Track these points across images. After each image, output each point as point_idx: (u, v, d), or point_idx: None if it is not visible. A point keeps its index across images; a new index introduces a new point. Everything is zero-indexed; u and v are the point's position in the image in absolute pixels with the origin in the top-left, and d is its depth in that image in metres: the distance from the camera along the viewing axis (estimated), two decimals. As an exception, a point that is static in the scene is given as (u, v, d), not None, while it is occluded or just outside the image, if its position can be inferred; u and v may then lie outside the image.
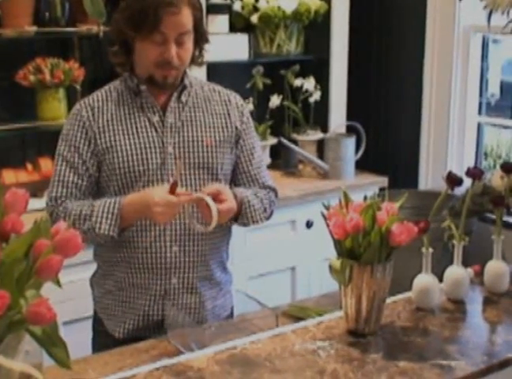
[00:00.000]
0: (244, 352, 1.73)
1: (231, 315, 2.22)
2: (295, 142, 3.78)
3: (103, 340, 2.12)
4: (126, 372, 1.65)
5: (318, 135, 3.84)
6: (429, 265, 1.94)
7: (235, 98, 2.19)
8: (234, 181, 2.18)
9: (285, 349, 1.73)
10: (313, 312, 2.10)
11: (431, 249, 1.92)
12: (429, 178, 3.69)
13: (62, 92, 3.25)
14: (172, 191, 1.89)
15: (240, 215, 2.08)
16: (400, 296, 2.03)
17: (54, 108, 3.24)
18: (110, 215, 1.95)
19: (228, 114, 2.14)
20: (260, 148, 2.24)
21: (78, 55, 3.33)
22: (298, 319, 2.04)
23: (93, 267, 2.20)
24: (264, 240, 3.29)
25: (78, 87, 3.26)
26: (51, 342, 1.22)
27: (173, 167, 2.03)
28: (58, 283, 1.25)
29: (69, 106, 3.27)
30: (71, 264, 2.57)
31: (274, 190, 2.23)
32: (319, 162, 3.69)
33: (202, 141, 2.07)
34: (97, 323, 2.18)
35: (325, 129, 3.86)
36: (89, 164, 2.03)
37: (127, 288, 2.09)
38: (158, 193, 1.89)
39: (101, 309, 2.15)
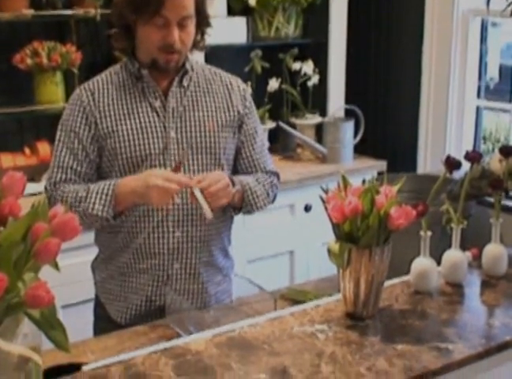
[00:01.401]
0: (243, 335, 1.73)
1: (230, 301, 2.22)
2: (293, 126, 3.77)
3: (105, 325, 2.12)
4: (125, 355, 1.65)
5: (317, 119, 3.83)
6: (427, 249, 1.94)
7: (237, 81, 2.18)
8: (236, 166, 2.18)
9: (284, 332, 1.74)
10: (311, 295, 2.11)
11: (429, 233, 1.92)
12: (427, 162, 3.69)
13: (59, 76, 3.25)
14: (175, 172, 1.89)
15: (244, 203, 2.08)
16: (398, 279, 2.03)
17: (52, 92, 3.23)
18: (104, 196, 1.94)
19: (230, 98, 2.13)
20: (262, 133, 2.25)
21: (75, 38, 3.31)
22: (296, 302, 2.04)
23: (93, 250, 2.20)
24: (262, 224, 3.29)
25: (76, 70, 3.24)
26: (50, 325, 1.22)
27: (175, 152, 2.02)
28: (56, 266, 1.25)
29: (67, 89, 3.26)
30: (70, 247, 2.58)
31: (276, 174, 2.24)
32: (318, 146, 3.69)
33: (205, 126, 2.06)
34: (99, 307, 2.18)
35: (323, 113, 3.86)
36: (89, 150, 2.02)
37: (129, 273, 2.09)
38: (158, 170, 1.90)
39: (103, 293, 2.16)
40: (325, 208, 1.75)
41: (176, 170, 1.90)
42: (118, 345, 1.83)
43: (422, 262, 1.95)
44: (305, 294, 2.14)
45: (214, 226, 2.10)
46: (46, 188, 2.04)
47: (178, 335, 1.82)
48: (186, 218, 2.05)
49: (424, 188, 2.20)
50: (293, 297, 2.14)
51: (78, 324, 2.23)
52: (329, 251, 1.77)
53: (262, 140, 2.22)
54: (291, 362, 1.59)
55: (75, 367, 1.59)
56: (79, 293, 2.80)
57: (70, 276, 2.36)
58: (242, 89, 2.17)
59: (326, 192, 1.78)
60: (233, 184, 2.03)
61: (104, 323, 2.14)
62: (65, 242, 1.22)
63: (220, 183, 1.94)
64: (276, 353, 1.63)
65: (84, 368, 1.59)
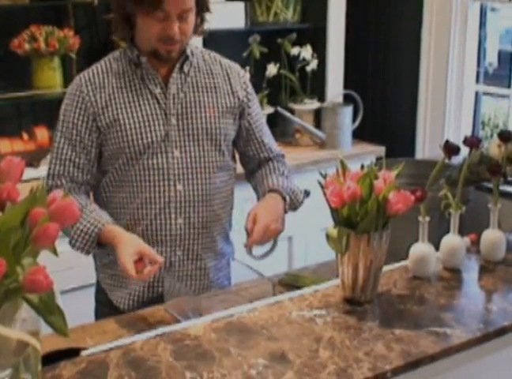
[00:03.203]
0: (241, 320, 1.73)
1: (229, 285, 2.23)
2: (291, 111, 3.76)
3: (107, 310, 2.12)
4: (123, 340, 1.65)
5: (315, 104, 3.82)
6: (426, 234, 1.94)
7: (236, 68, 2.18)
8: (247, 152, 2.19)
9: (282, 317, 1.74)
10: (310, 280, 2.11)
11: (427, 218, 1.92)
12: (426, 147, 3.69)
13: (57, 61, 3.23)
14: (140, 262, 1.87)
15: (288, 206, 2.11)
16: (396, 265, 2.03)
17: (50, 77, 3.22)
18: (86, 237, 1.96)
19: (230, 84, 2.12)
20: (263, 116, 2.26)
21: (73, 23, 3.30)
22: (295, 288, 2.04)
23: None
24: (261, 209, 3.29)
25: (73, 55, 3.23)
26: (48, 310, 1.22)
27: (177, 139, 2.02)
28: (54, 251, 1.25)
29: (65, 75, 3.25)
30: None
31: (284, 157, 2.27)
32: (316, 131, 3.68)
33: (205, 111, 2.06)
34: (100, 293, 2.19)
35: (322, 98, 3.85)
36: (87, 142, 2.01)
37: None
38: (126, 256, 1.85)
39: (104, 279, 2.16)
40: (324, 194, 1.75)
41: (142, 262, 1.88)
42: (116, 330, 1.83)
43: (420, 247, 1.95)
44: (303, 279, 2.14)
45: (215, 212, 2.11)
46: (45, 179, 2.04)
47: (177, 321, 1.83)
48: (188, 204, 2.05)
49: (423, 173, 2.20)
50: (291, 282, 2.14)
51: (77, 309, 2.22)
52: (328, 236, 1.77)
53: (265, 123, 2.24)
54: (290, 346, 1.59)
55: (74, 352, 1.59)
56: (78, 278, 2.81)
57: (69, 261, 2.35)
58: (241, 75, 2.16)
59: (325, 177, 1.78)
60: (284, 198, 2.09)
61: (106, 308, 2.14)
62: (63, 227, 1.22)
63: (273, 232, 2.01)
64: (275, 338, 1.64)
65: (83, 353, 1.59)
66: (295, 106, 3.82)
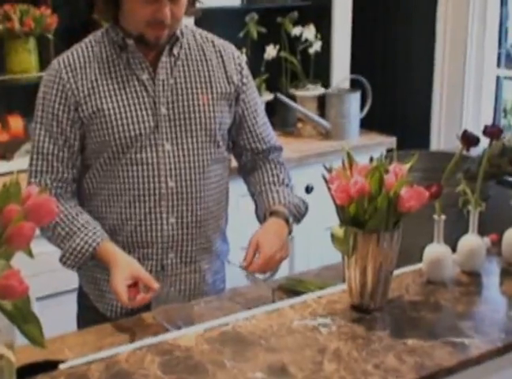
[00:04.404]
0: (237, 329, 1.73)
1: (224, 287, 2.25)
2: (293, 98, 3.77)
3: (91, 316, 2.13)
4: (106, 351, 1.65)
5: (319, 90, 3.82)
6: (441, 234, 1.94)
7: (230, 48, 2.17)
8: (238, 141, 2.20)
9: (282, 326, 1.74)
10: (313, 285, 2.11)
11: (443, 216, 1.92)
12: (442, 138, 3.69)
13: (32, 42, 3.23)
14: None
15: (292, 223, 2.14)
16: (409, 268, 2.03)
17: (24, 60, 3.21)
18: (79, 255, 1.98)
19: (224, 67, 2.12)
20: (262, 103, 2.26)
21: (50, 1, 3.29)
22: (296, 293, 2.05)
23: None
24: (259, 207, 3.29)
25: (51, 36, 3.23)
26: (23, 318, 1.22)
27: (167, 131, 2.02)
28: (29, 253, 1.25)
29: (41, 57, 3.25)
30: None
31: (280, 149, 2.28)
32: (320, 120, 3.68)
33: (198, 99, 2.06)
34: (83, 298, 2.20)
35: (326, 84, 3.85)
36: (70, 134, 2.01)
37: None
38: (119, 279, 1.89)
39: (88, 283, 2.16)
40: (329, 189, 1.75)
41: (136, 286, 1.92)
42: (98, 340, 1.84)
43: (435, 249, 1.95)
44: (306, 284, 2.14)
45: (210, 209, 2.12)
46: (28, 176, 2.05)
47: (166, 330, 1.83)
48: (180, 202, 2.05)
49: (438, 166, 2.20)
50: (293, 287, 2.14)
51: (55, 317, 2.24)
52: (333, 236, 1.77)
53: (263, 112, 2.24)
54: (291, 359, 1.59)
55: (51, 365, 1.59)
56: (56, 283, 2.81)
57: (46, 264, 2.35)
58: (236, 57, 2.16)
59: (330, 171, 1.78)
60: (287, 221, 2.11)
61: (90, 314, 2.15)
62: (40, 225, 1.22)
63: (277, 262, 2.06)
64: (274, 349, 1.64)
65: (62, 366, 1.59)
66: (297, 93, 3.82)
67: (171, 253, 2.07)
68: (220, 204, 2.17)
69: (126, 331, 1.89)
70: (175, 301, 1.97)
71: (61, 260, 2.01)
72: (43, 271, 2.63)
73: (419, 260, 1.99)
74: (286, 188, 2.20)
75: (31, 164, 2.04)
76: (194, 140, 2.06)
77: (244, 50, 3.56)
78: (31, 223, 1.20)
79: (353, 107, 3.68)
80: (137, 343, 1.69)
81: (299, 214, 2.20)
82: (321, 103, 3.80)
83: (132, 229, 2.05)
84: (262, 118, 2.22)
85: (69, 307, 2.25)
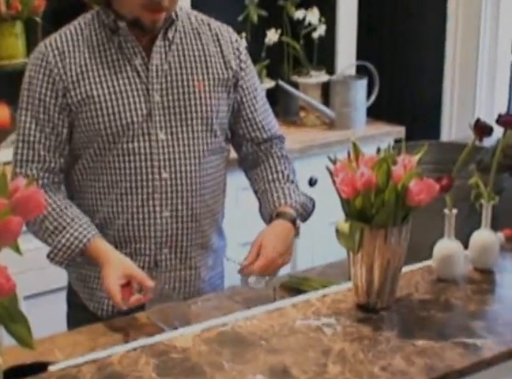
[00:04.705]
0: (236, 330, 1.74)
1: (222, 283, 2.25)
2: (295, 85, 3.76)
3: (81, 315, 2.13)
4: (99, 353, 1.66)
5: (323, 77, 3.82)
6: (452, 229, 1.95)
7: (228, 32, 2.17)
8: (237, 130, 2.19)
9: (284, 326, 1.74)
10: (316, 283, 2.11)
11: (454, 210, 1.93)
12: (453, 128, 3.69)
13: (19, 26, 3.23)
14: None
15: (299, 225, 2.15)
16: (418, 265, 2.04)
17: (11, 45, 3.21)
18: (68, 251, 1.98)
19: (221, 52, 2.12)
20: (262, 90, 2.26)
21: (38, -18, 3.29)
22: (299, 292, 2.05)
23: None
24: (259, 201, 3.29)
25: (39, 19, 3.22)
26: (10, 317, 1.22)
27: (161, 119, 2.02)
28: (17, 249, 1.25)
29: (29, 42, 3.25)
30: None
31: (282, 138, 2.28)
32: (324, 109, 3.68)
33: (194, 86, 2.06)
34: (72, 296, 2.20)
35: (331, 70, 3.84)
36: (57, 121, 2.01)
37: None
38: (112, 279, 1.90)
39: (77, 281, 2.16)
40: (333, 182, 1.75)
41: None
42: (90, 341, 1.84)
43: (446, 245, 1.95)
44: (309, 282, 2.14)
45: (206, 202, 2.12)
46: (13, 166, 2.04)
47: (161, 330, 1.83)
48: (175, 195, 2.05)
49: (449, 158, 2.20)
50: (295, 285, 2.14)
51: (44, 317, 2.24)
52: (338, 232, 1.77)
53: (263, 99, 2.23)
54: (293, 360, 1.60)
55: (40, 366, 1.59)
56: (45, 281, 2.81)
57: (34, 261, 2.35)
58: (234, 40, 2.16)
59: (334, 162, 1.78)
60: (294, 223, 2.11)
61: (80, 313, 2.15)
62: (28, 219, 1.22)
63: (278, 266, 2.05)
64: (276, 350, 1.64)
65: (51, 368, 1.59)
66: (300, 80, 3.81)
67: (165, 248, 2.08)
68: (217, 198, 2.17)
69: (119, 331, 1.89)
70: (171, 299, 1.97)
71: (48, 256, 2.01)
72: (31, 268, 2.63)
73: (429, 256, 1.99)
74: (291, 185, 2.20)
75: (16, 153, 2.04)
76: (190, 129, 2.06)
77: (244, 34, 3.56)
78: (18, 217, 1.20)
79: (359, 95, 3.68)
80: (131, 344, 1.69)
81: (305, 212, 2.20)
82: (326, 91, 3.79)
83: (124, 223, 2.05)
84: (262, 106, 2.21)
85: (59, 306, 2.25)
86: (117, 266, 1.92)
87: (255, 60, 3.66)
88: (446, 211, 1.93)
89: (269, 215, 2.15)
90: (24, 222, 1.21)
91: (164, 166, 2.03)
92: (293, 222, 2.11)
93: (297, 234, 2.13)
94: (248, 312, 1.83)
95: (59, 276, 2.34)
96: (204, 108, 2.06)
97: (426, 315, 1.79)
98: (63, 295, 2.28)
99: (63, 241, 1.98)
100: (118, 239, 2.07)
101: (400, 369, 1.56)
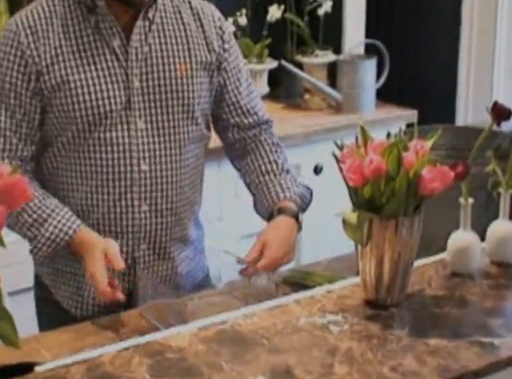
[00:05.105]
0: (236, 328, 1.74)
1: (207, 276, 2.25)
2: (299, 66, 3.76)
3: (52, 311, 2.14)
4: (88, 353, 1.66)
5: (329, 57, 3.81)
6: (468, 220, 1.95)
7: (210, 9, 2.15)
8: (220, 116, 2.19)
9: (287, 324, 1.75)
10: (322, 278, 2.11)
11: (471, 200, 1.93)
12: (469, 111, 3.69)
13: (3, 4, 3.22)
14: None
15: (302, 220, 2.16)
16: (431, 258, 2.04)
17: (-7, 23, 3.21)
18: (53, 245, 1.98)
19: (204, 33, 2.11)
20: (247, 71, 2.25)
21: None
22: (303, 287, 2.05)
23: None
24: (260, 190, 3.30)
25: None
26: (-6, 314, 1.23)
27: (140, 106, 2.02)
28: (1, 241, 1.25)
29: None
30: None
31: (270, 123, 2.26)
32: (330, 91, 3.67)
33: (175, 69, 2.06)
34: (42, 290, 2.20)
35: (337, 50, 3.84)
36: (29, 106, 1.99)
37: None
38: (97, 262, 1.90)
39: (51, 275, 2.16)
40: (340, 169, 1.75)
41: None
42: (79, 340, 1.84)
43: (461, 236, 1.96)
44: (314, 276, 2.15)
45: (186, 194, 2.12)
46: None
47: (155, 329, 1.83)
48: (154, 188, 2.05)
49: (465, 143, 2.20)
50: (299, 280, 2.14)
51: (29, 314, 2.24)
52: (345, 223, 1.77)
53: (248, 80, 2.22)
54: (297, 360, 1.60)
55: (26, 367, 1.60)
56: (30, 276, 2.81)
57: (19, 255, 2.36)
58: (217, 19, 2.15)
59: (341, 148, 1.78)
60: (297, 218, 2.13)
61: (51, 308, 2.15)
62: (12, 209, 1.23)
63: (281, 265, 2.07)
64: (278, 350, 1.65)
65: (38, 368, 1.60)
66: (304, 60, 3.81)
67: (144, 244, 2.08)
68: (195, 188, 2.18)
69: (110, 329, 1.89)
70: (165, 295, 1.98)
71: (31, 251, 2.01)
72: (16, 262, 2.63)
73: (443, 249, 2.00)
74: (287, 175, 2.20)
75: None
76: (171, 117, 2.05)
77: (244, 11, 3.55)
78: (2, 206, 1.20)
79: (368, 76, 3.67)
80: (123, 343, 1.69)
81: (304, 204, 2.21)
82: (332, 72, 3.79)
83: (99, 217, 2.05)
84: (247, 88, 2.20)
85: (20, 309, 2.25)
86: (98, 248, 1.91)
87: (256, 38, 3.68)
88: (462, 200, 1.93)
89: (268, 211, 2.15)
90: (8, 212, 1.21)
91: (144, 157, 2.02)
92: (296, 217, 2.12)
93: (300, 229, 2.14)
94: (248, 309, 1.83)
95: (15, 279, 2.34)
96: (185, 94, 2.06)
97: (439, 312, 1.79)
98: (19, 300, 2.28)
99: (47, 234, 1.97)
100: None
101: (412, 370, 1.57)
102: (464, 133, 2.55)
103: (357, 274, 1.85)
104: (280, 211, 2.11)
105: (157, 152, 2.04)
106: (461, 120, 3.71)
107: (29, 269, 2.72)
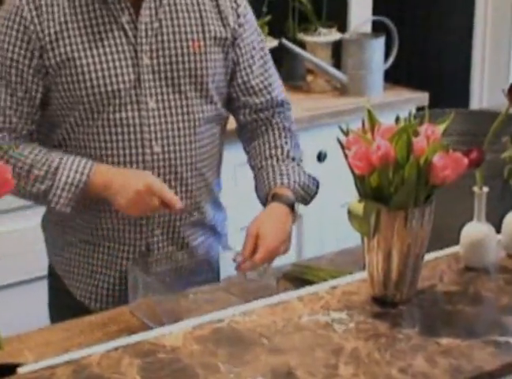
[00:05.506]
0: (233, 326, 1.74)
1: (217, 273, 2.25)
2: (302, 45, 3.76)
3: (65, 301, 2.17)
4: (75, 353, 1.66)
5: (334, 35, 3.81)
6: (483, 210, 1.95)
7: None
8: (231, 95, 2.21)
9: (289, 322, 1.75)
10: (326, 273, 2.12)
11: (485, 189, 1.93)
12: (484, 94, 3.68)
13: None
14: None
15: (297, 210, 2.16)
16: (443, 251, 2.05)
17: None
18: (73, 188, 1.99)
19: (218, 7, 2.12)
20: (264, 47, 2.26)
21: None
22: (306, 282, 2.06)
23: (36, 212, 2.22)
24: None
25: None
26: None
27: (150, 85, 2.03)
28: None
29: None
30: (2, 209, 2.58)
31: (286, 105, 2.28)
32: (335, 72, 3.67)
33: (188, 46, 2.07)
34: (55, 280, 2.22)
35: (343, 28, 3.84)
36: (31, 84, 2.02)
37: (96, 241, 2.12)
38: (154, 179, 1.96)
39: (62, 264, 2.19)
40: (345, 156, 1.75)
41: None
42: (65, 340, 1.85)
43: (476, 228, 1.96)
44: (317, 271, 2.15)
45: (203, 176, 2.14)
46: None
47: (147, 327, 1.84)
48: (168, 170, 2.07)
49: (480, 128, 2.20)
50: (301, 275, 2.15)
51: (12, 313, 2.25)
52: (350, 213, 1.77)
53: (264, 58, 2.24)
54: (299, 361, 1.60)
55: (8, 369, 1.60)
56: (14, 271, 2.81)
57: (6, 247, 2.38)
58: None
59: (347, 134, 1.78)
60: (293, 207, 2.11)
61: (64, 299, 2.18)
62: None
63: (278, 255, 2.05)
64: (279, 350, 1.65)
65: (20, 370, 1.60)
66: (307, 38, 3.81)
67: (158, 229, 2.10)
68: (214, 168, 2.20)
69: (98, 328, 1.90)
70: (158, 291, 1.98)
71: (50, 202, 2.01)
72: (32, 250, 2.65)
73: (456, 242, 2.00)
74: (291, 162, 2.20)
75: None
76: (183, 95, 2.07)
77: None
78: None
79: (376, 56, 3.67)
80: (112, 343, 1.69)
81: (307, 194, 2.21)
82: (337, 51, 3.79)
83: (106, 207, 2.07)
84: (261, 67, 2.22)
85: (28, 300, 2.26)
86: (138, 175, 1.98)
87: (256, 15, 3.66)
88: (476, 189, 1.94)
89: (265, 196, 2.15)
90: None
91: (156, 138, 2.04)
92: (291, 206, 2.11)
93: (294, 220, 2.12)
94: (247, 306, 1.84)
95: (32, 265, 2.35)
96: (199, 72, 2.07)
97: (452, 309, 1.80)
98: (32, 289, 2.29)
99: (63, 179, 1.99)
100: (105, 219, 2.09)
101: (422, 371, 1.57)
102: (479, 117, 2.55)
103: (363, 268, 1.85)
104: (274, 197, 2.11)
105: (170, 133, 2.05)
106: (475, 103, 3.71)
107: (12, 264, 2.74)
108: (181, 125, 2.07)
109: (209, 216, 2.20)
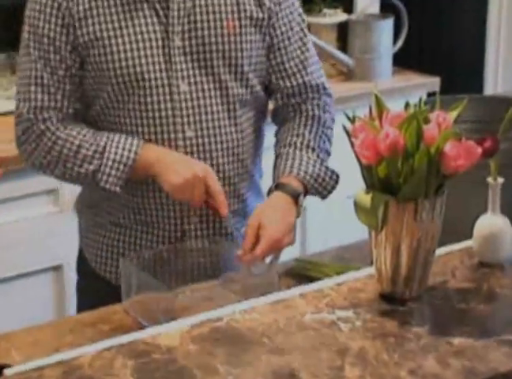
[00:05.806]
0: (233, 325, 1.74)
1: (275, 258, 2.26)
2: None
3: (92, 284, 2.21)
4: (65, 353, 1.66)
5: (340, 16, 3.81)
6: (497, 202, 1.95)
7: None
8: (267, 80, 2.21)
9: (291, 320, 1.75)
10: (330, 269, 2.12)
11: (500, 179, 1.93)
12: (499, 79, 3.68)
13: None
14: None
15: (302, 204, 2.15)
16: (456, 246, 2.05)
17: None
18: (121, 167, 2.04)
19: None
20: (304, 29, 2.25)
21: None
22: (309, 279, 2.06)
23: (30, 203, 2.21)
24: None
25: None
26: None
27: (183, 67, 2.05)
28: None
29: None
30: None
31: (324, 91, 2.26)
32: (341, 55, 3.67)
33: (222, 27, 2.08)
34: (83, 263, 2.27)
35: (349, 8, 3.84)
36: (70, 61, 2.04)
37: (128, 226, 2.15)
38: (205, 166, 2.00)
39: (88, 246, 2.23)
40: (351, 144, 1.75)
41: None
42: (54, 340, 1.85)
43: (490, 221, 1.95)
44: (321, 267, 2.15)
45: (243, 162, 2.16)
46: (22, 115, 2.07)
47: (141, 326, 1.84)
48: (202, 156, 2.09)
49: (494, 115, 2.20)
50: (305, 271, 2.15)
51: (5, 309, 2.25)
52: (357, 206, 1.77)
53: (303, 39, 2.23)
54: (302, 362, 1.60)
55: (-5, 370, 1.60)
56: (3, 266, 2.82)
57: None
58: None
59: (353, 121, 1.78)
60: (296, 199, 2.10)
61: (92, 281, 2.22)
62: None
63: (282, 247, 2.05)
64: (281, 350, 1.65)
65: (7, 371, 1.60)
66: (311, 20, 3.80)
67: (195, 216, 2.12)
68: (253, 155, 2.21)
69: (89, 327, 1.90)
70: (154, 288, 1.98)
71: (100, 180, 2.05)
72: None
73: (469, 236, 2.00)
74: (309, 153, 2.19)
75: (28, 98, 2.06)
76: (217, 78, 2.09)
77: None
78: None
79: (384, 39, 3.67)
80: (104, 343, 1.69)
81: (321, 187, 2.20)
82: (343, 34, 3.79)
83: (144, 189, 2.10)
84: (298, 49, 2.21)
85: (16, 298, 2.26)
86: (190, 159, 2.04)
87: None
88: (490, 179, 1.93)
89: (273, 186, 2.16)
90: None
91: (188, 122, 2.05)
92: (295, 197, 2.11)
93: (298, 214, 2.12)
94: (247, 303, 1.84)
95: (10, 263, 2.35)
96: (234, 54, 2.09)
97: (464, 307, 1.80)
98: (18, 285, 2.30)
99: (111, 156, 2.03)
100: (142, 203, 2.12)
101: (433, 373, 1.57)
102: (493, 104, 2.55)
103: (371, 264, 1.86)
104: (278, 186, 2.12)
105: (203, 117, 2.07)
106: (489, 88, 3.71)
107: (4, 258, 2.74)
108: (215, 108, 2.08)
109: (250, 206, 2.20)
